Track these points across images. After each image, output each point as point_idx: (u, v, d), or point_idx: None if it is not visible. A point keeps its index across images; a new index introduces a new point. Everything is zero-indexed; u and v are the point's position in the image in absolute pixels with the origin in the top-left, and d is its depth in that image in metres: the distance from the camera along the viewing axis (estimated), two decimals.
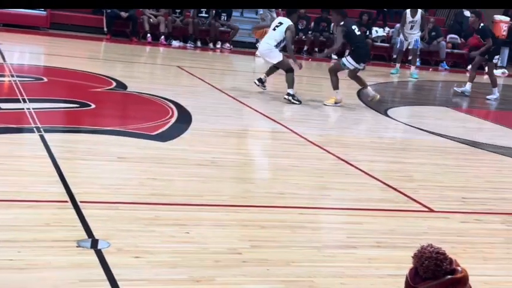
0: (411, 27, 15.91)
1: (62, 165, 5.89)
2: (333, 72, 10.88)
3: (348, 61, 10.72)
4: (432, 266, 3.16)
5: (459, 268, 3.23)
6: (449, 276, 3.17)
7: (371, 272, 4.44)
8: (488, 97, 13.80)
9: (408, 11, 15.70)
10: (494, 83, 13.91)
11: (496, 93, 13.90)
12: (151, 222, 4.80)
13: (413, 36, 15.97)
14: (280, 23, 10.87)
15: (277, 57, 10.76)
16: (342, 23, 10.65)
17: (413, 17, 15.80)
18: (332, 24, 17.96)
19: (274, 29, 10.88)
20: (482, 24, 13.98)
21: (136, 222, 4.80)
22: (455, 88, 14.31)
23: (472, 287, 3.30)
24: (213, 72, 13.65)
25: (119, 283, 3.86)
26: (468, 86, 14.02)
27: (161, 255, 4.29)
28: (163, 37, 16.84)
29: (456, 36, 19.60)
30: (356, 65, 10.75)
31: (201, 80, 11.90)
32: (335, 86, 10.89)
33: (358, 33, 10.79)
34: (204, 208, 5.41)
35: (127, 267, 4.08)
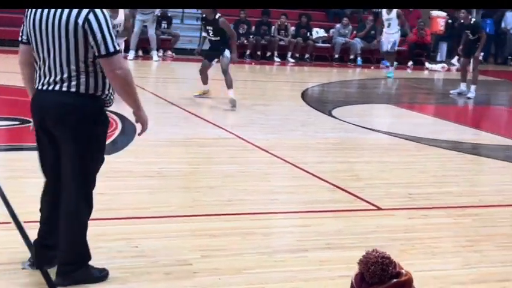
0: (388, 25, 15.74)
1: (4, 185, 5.76)
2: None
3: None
4: (378, 271, 3.19)
5: (403, 271, 3.27)
6: (395, 280, 3.21)
7: (323, 274, 4.45)
8: (468, 95, 13.49)
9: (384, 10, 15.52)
10: (475, 80, 13.51)
11: (473, 91, 13.44)
12: (97, 238, 4.71)
13: (390, 36, 15.85)
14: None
15: None
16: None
17: (388, 14, 15.58)
18: (273, 27, 18.06)
19: None
20: (473, 20, 13.92)
21: None
22: (451, 92, 13.88)
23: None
24: (156, 81, 13.55)
25: None
26: (463, 86, 13.64)
27: (110, 271, 4.21)
28: None
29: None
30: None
31: (143, 89, 11.80)
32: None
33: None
34: (153, 220, 5.35)
35: (75, 287, 3.99)
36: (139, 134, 4.35)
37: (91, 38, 3.77)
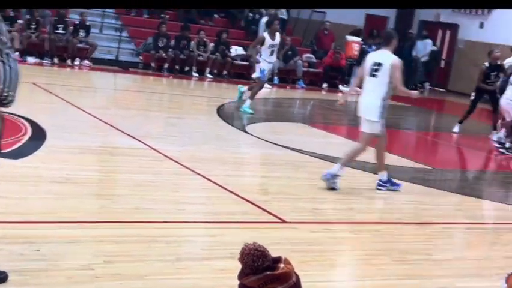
0: (272, 53, 12.68)
1: None
2: None
3: None
4: (250, 261, 3.38)
5: (281, 265, 3.41)
6: (268, 273, 3.36)
7: (223, 282, 4.54)
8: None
9: (266, 33, 12.67)
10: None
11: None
12: None
13: (270, 65, 12.92)
14: None
15: None
16: None
17: (273, 39, 12.57)
18: (192, 42, 18.14)
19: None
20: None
21: None
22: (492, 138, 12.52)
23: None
24: (70, 89, 13.39)
25: None
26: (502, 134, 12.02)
27: (9, 274, 4.17)
28: (17, 53, 16.30)
29: (312, 55, 20.35)
30: None
31: (58, 97, 11.66)
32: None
33: None
34: (58, 225, 5.32)
35: None
36: None
37: None
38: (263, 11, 19.99)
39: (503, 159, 11.27)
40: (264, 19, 18.24)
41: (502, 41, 16.79)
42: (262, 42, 12.65)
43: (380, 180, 7.84)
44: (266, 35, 12.77)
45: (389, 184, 7.84)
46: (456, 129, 13.23)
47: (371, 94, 7.63)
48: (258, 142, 10.22)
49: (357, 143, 7.90)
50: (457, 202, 8.06)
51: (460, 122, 13.29)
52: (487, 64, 12.95)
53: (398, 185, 7.91)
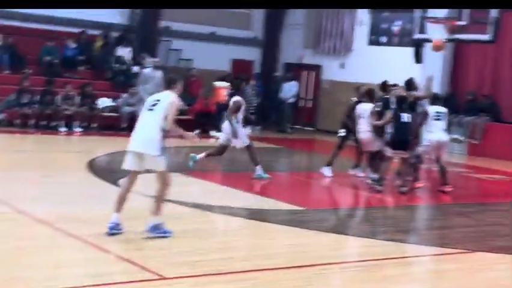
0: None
1: None
2: None
3: None
4: None
5: None
6: None
7: None
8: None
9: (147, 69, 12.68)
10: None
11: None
12: None
13: None
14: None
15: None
16: None
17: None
18: (58, 96, 17.73)
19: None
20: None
21: None
22: None
23: None
24: None
25: None
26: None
27: None
28: None
29: (182, 102, 20.40)
30: None
31: None
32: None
33: None
34: None
35: None
36: None
37: None
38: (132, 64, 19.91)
39: (373, 195, 11.65)
40: (147, 70, 18.14)
41: (361, 80, 17.56)
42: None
43: (150, 227, 7.46)
44: None
45: (159, 231, 7.42)
46: (327, 172, 13.08)
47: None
48: (131, 196, 10.04)
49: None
50: (332, 241, 8.26)
51: (329, 164, 13.25)
52: (355, 99, 13.49)
53: (169, 232, 7.48)
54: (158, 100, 7.57)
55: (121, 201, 7.59)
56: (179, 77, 8.01)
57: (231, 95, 12.87)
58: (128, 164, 7.60)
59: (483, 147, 18.89)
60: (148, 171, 7.60)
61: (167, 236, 7.41)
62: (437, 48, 14.37)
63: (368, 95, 12.57)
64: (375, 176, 11.88)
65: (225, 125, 12.23)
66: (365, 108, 12.31)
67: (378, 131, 12.07)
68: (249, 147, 12.31)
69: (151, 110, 7.54)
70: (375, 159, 12.24)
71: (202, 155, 12.38)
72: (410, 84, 12.67)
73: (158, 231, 7.42)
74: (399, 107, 11.77)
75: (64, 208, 8.69)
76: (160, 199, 7.56)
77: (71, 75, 19.61)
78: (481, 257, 8.00)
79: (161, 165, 7.49)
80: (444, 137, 12.17)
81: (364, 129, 12.24)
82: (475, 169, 16.56)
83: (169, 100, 7.52)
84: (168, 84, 7.80)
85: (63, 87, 18.10)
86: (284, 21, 24.49)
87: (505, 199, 12.43)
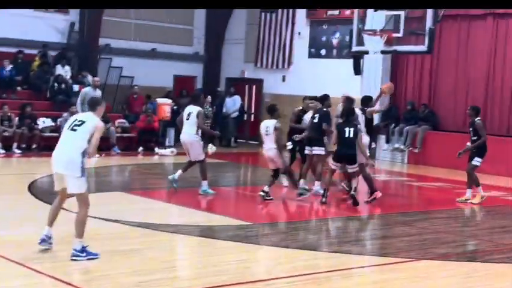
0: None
1: None
2: None
3: None
4: None
5: None
6: None
7: None
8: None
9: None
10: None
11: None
12: None
13: None
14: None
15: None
16: None
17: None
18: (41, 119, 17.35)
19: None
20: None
21: None
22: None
23: None
24: None
25: None
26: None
27: None
28: None
29: (124, 120, 20.24)
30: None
31: None
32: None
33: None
34: None
35: None
36: None
37: None
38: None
39: (317, 207, 11.73)
40: (87, 89, 17.93)
41: (301, 93, 17.61)
42: None
43: (75, 250, 7.28)
44: None
45: (85, 254, 7.27)
46: (317, 188, 12.63)
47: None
48: (73, 217, 9.87)
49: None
50: (278, 256, 8.27)
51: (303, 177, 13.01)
52: (300, 107, 13.53)
53: (95, 254, 7.35)
54: (82, 121, 7.47)
55: (52, 217, 7.65)
56: (102, 100, 7.96)
57: (175, 112, 12.86)
58: (55, 184, 7.60)
59: (423, 155, 19.24)
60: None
61: (94, 258, 7.27)
62: (388, 90, 14.10)
63: (269, 111, 12.26)
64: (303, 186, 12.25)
65: (189, 139, 12.24)
66: (267, 125, 11.94)
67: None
68: (202, 161, 12.36)
69: (73, 130, 7.45)
70: (278, 176, 12.21)
71: (179, 172, 12.45)
72: (365, 101, 12.93)
73: (85, 254, 7.29)
74: (347, 120, 11.80)
75: (3, 232, 8.48)
76: (82, 222, 7.42)
77: (8, 96, 19.22)
78: (425, 264, 8.12)
79: (82, 186, 7.38)
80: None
81: (269, 147, 11.94)
82: (416, 177, 16.85)
83: (94, 123, 7.43)
84: (92, 106, 7.71)
85: (0, 108, 17.72)
86: (225, 36, 24.58)
87: (446, 206, 12.65)
